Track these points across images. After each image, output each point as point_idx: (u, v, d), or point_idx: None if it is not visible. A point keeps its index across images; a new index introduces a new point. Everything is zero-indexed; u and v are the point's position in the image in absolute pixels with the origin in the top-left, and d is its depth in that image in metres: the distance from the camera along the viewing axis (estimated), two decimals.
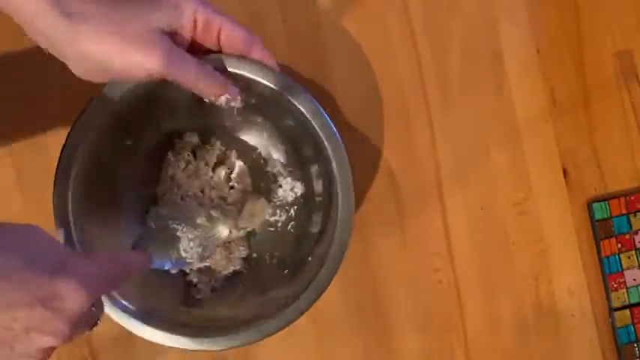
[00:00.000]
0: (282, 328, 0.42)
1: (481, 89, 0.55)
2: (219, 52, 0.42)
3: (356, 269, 0.53)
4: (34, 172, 0.50)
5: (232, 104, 0.41)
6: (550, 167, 0.55)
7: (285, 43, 0.52)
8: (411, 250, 0.54)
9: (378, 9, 0.53)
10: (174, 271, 0.46)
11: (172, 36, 0.38)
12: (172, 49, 0.38)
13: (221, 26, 0.40)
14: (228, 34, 0.41)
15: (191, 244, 0.44)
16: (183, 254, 0.44)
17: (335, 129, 0.43)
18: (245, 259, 0.50)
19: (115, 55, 0.36)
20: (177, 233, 0.44)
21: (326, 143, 0.43)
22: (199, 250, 0.45)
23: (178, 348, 0.42)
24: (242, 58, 0.42)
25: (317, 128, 0.43)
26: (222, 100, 0.41)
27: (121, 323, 0.41)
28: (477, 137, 0.55)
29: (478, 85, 0.54)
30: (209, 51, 0.41)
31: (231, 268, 0.49)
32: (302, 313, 0.43)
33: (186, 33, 0.39)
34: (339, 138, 0.43)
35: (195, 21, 0.39)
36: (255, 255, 0.51)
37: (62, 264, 0.31)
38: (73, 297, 0.30)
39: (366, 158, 0.53)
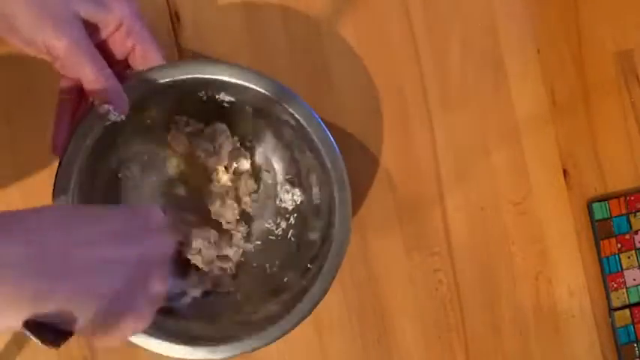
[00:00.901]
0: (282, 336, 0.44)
1: (481, 89, 0.55)
2: (123, 61, 0.42)
3: (356, 269, 0.53)
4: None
5: (113, 118, 0.40)
6: (550, 167, 0.55)
7: (285, 43, 0.52)
8: (411, 250, 0.54)
9: (378, 9, 0.53)
10: None
11: (90, 29, 0.38)
12: (84, 39, 0.38)
13: (141, 42, 0.41)
14: (143, 53, 0.41)
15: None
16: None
17: (330, 133, 0.44)
18: (241, 267, 0.50)
19: (27, 22, 0.36)
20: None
21: (321, 147, 0.44)
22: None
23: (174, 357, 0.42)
24: (235, 66, 0.42)
25: (312, 133, 0.44)
26: (105, 108, 0.40)
27: None
28: (476, 137, 0.55)
29: (478, 85, 0.54)
30: (111, 58, 0.41)
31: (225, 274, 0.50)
32: (296, 325, 0.43)
33: (106, 31, 0.39)
34: (334, 142, 0.44)
35: (120, 25, 0.39)
36: (255, 264, 0.51)
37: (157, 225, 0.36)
38: (169, 247, 0.35)
39: (366, 159, 0.53)
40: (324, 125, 0.44)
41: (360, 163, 0.53)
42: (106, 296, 0.31)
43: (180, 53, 0.51)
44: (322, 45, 0.53)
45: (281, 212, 0.51)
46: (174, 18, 0.51)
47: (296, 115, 0.43)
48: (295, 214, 0.50)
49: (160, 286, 0.34)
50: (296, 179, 0.50)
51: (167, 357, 0.43)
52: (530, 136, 0.55)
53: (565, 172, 0.56)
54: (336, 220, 0.44)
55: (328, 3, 0.53)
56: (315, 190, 0.48)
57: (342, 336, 0.53)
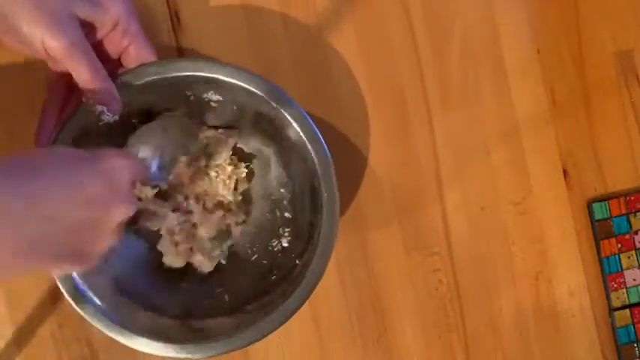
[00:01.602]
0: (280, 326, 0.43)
1: (481, 89, 0.55)
2: (116, 60, 0.42)
3: (356, 270, 0.53)
4: None
5: (106, 119, 0.41)
6: (550, 167, 0.55)
7: (286, 43, 0.52)
8: (410, 250, 0.54)
9: (377, 9, 0.53)
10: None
11: (87, 29, 0.38)
12: (81, 40, 0.38)
13: (135, 42, 0.41)
14: (137, 52, 0.41)
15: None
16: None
17: (321, 136, 0.44)
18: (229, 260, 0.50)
19: (24, 22, 0.36)
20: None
21: (309, 145, 0.44)
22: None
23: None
24: (224, 64, 0.43)
25: (302, 134, 0.44)
26: (99, 109, 0.40)
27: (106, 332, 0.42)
28: (476, 137, 0.55)
29: (478, 85, 0.54)
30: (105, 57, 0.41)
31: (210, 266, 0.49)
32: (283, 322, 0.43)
33: (102, 31, 0.40)
34: (323, 141, 0.44)
35: (115, 24, 0.39)
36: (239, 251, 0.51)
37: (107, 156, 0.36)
38: (126, 171, 0.36)
39: (365, 158, 0.53)
40: (311, 121, 0.44)
41: (360, 163, 0.53)
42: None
43: (180, 54, 0.51)
44: (322, 44, 0.53)
45: (275, 202, 0.51)
46: (175, 18, 0.51)
47: (284, 112, 0.44)
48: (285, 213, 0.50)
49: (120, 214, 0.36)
50: (286, 178, 0.50)
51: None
52: (530, 136, 0.55)
53: (565, 172, 0.56)
54: (323, 217, 0.44)
55: (328, 2, 0.53)
56: (303, 186, 0.48)
57: (341, 335, 0.53)
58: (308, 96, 0.52)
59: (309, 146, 0.44)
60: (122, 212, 0.36)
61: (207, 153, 0.49)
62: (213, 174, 0.49)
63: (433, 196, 0.54)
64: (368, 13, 0.53)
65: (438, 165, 0.54)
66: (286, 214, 0.50)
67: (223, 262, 0.50)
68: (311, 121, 0.44)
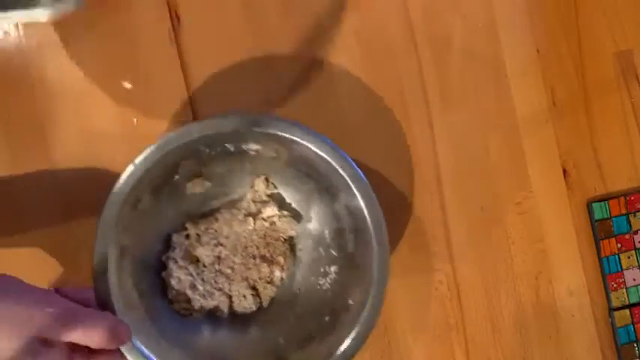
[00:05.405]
0: None
1: (481, 89, 0.55)
2: None
3: None
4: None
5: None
6: (550, 167, 0.55)
7: (286, 43, 0.52)
8: (411, 250, 0.54)
9: (377, 10, 0.53)
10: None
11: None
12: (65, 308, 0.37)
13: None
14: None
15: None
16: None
17: (362, 175, 0.44)
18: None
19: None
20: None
21: (353, 187, 0.44)
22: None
23: None
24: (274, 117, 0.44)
25: (339, 169, 0.44)
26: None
27: None
28: (477, 137, 0.55)
29: (478, 85, 0.54)
30: None
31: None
32: None
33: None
34: (367, 182, 0.44)
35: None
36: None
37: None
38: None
39: (364, 157, 0.53)
40: (357, 168, 0.44)
41: (360, 163, 0.53)
42: None
43: (180, 54, 0.51)
44: (323, 44, 0.53)
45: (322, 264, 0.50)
46: (175, 18, 0.51)
47: (325, 157, 0.44)
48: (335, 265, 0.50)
49: None
50: (335, 235, 0.50)
51: None
52: (530, 136, 0.55)
53: (565, 172, 0.56)
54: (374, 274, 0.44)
55: (328, 3, 0.53)
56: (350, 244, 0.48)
57: None
58: (307, 96, 0.52)
59: (353, 186, 0.44)
60: None
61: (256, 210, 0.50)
62: (265, 224, 0.50)
63: (433, 196, 0.54)
64: (368, 14, 0.53)
65: (437, 165, 0.54)
66: (332, 251, 0.50)
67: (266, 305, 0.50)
68: (354, 165, 0.44)
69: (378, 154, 0.53)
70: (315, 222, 0.50)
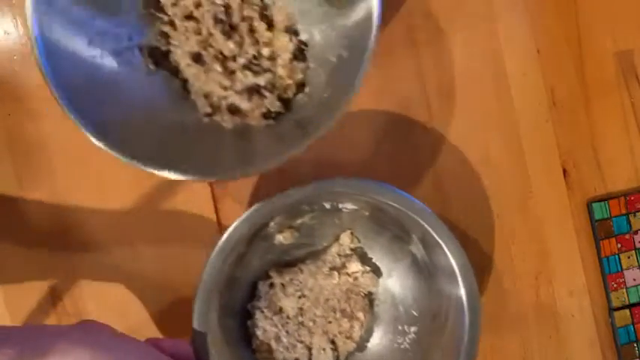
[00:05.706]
0: None
1: (481, 89, 0.55)
2: None
3: None
4: None
5: None
6: (550, 167, 0.55)
7: None
8: None
9: None
10: None
11: None
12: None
13: None
14: None
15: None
16: None
17: (449, 229, 0.45)
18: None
19: None
20: None
21: (438, 239, 0.45)
22: None
23: None
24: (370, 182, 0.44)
25: (442, 244, 0.44)
26: None
27: None
28: (476, 137, 0.55)
29: (478, 85, 0.54)
30: None
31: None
32: None
33: None
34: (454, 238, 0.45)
35: None
36: None
37: None
38: None
39: (363, 156, 0.53)
40: (449, 232, 0.45)
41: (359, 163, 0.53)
42: None
43: None
44: None
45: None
46: None
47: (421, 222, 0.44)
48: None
49: None
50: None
51: None
52: (530, 137, 0.55)
53: (565, 172, 0.56)
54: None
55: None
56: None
57: None
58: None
59: (445, 247, 0.45)
60: None
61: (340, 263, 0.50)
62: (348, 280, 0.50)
63: (433, 196, 0.54)
64: None
65: (437, 165, 0.54)
66: (413, 312, 0.49)
67: None
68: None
69: (378, 153, 0.53)
70: (395, 279, 0.50)
